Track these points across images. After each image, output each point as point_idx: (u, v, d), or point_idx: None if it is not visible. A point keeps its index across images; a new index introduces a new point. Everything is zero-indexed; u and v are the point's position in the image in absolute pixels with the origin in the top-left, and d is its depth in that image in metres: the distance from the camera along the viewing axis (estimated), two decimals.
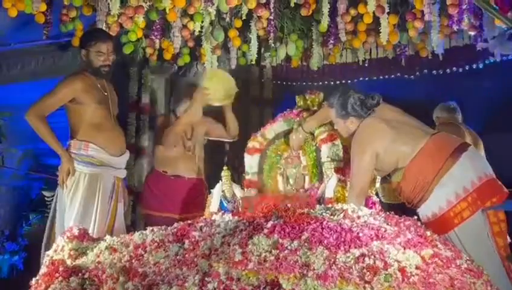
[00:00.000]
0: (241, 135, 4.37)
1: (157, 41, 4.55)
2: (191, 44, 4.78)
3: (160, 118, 4.59)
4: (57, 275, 2.67)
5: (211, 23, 4.61)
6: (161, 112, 5.12)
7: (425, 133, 3.26)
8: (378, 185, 3.55)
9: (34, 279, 2.78)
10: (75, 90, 3.81)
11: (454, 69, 4.91)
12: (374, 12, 4.28)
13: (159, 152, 4.35)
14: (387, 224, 2.58)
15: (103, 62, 3.89)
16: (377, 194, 3.56)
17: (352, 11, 4.41)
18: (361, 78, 5.51)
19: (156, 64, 4.94)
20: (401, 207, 3.30)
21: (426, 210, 3.14)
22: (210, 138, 4.52)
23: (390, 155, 3.20)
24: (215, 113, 4.38)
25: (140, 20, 4.32)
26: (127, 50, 4.66)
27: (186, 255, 2.52)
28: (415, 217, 2.82)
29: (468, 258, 2.53)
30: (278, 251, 2.32)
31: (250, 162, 3.74)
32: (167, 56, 4.79)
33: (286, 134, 3.75)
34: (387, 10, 4.33)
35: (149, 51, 4.77)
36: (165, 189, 4.24)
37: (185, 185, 4.27)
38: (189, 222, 2.88)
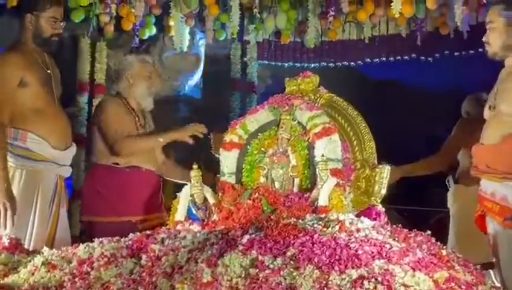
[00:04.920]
0: (218, 126, 4.35)
1: (115, 6, 4.52)
2: (156, 12, 4.75)
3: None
4: None
5: None
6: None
7: None
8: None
9: None
10: (18, 68, 3.78)
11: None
12: None
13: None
14: (394, 239, 2.60)
15: (55, 30, 3.88)
16: (383, 201, 3.57)
17: None
18: (367, 60, 5.52)
19: (112, 35, 4.91)
20: (412, 220, 3.31)
21: None
22: None
23: None
24: None
25: None
26: (76, 17, 4.62)
27: (143, 274, 2.52)
28: (428, 231, 2.84)
29: (493, 285, 2.54)
30: (256, 271, 2.32)
31: (227, 160, 3.73)
32: (126, 26, 4.75)
33: (272, 126, 3.75)
34: None
35: (104, 19, 4.74)
36: (116, 186, 4.21)
37: (141, 179, 4.24)
38: (147, 232, 2.87)
